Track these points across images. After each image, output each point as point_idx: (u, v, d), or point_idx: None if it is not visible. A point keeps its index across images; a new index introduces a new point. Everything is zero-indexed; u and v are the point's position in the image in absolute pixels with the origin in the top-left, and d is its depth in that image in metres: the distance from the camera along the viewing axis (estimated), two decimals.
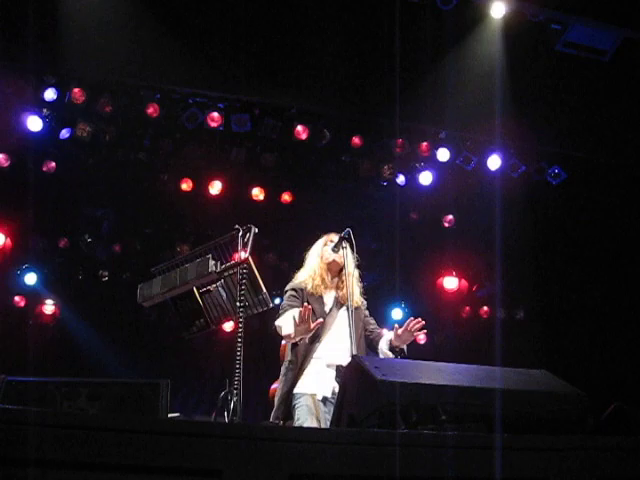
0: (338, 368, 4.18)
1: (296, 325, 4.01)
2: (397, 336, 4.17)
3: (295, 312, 4.26)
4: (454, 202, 8.53)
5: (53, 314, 7.75)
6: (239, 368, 3.65)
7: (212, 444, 2.13)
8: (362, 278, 4.61)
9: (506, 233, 7.31)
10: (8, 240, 7.38)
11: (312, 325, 4.02)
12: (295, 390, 4.21)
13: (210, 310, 4.07)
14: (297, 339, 4.16)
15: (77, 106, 6.92)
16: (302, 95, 7.24)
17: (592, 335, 8.25)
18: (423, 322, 4.10)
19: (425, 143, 7.96)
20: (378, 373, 2.66)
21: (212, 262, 3.94)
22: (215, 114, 7.28)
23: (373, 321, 4.55)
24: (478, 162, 8.09)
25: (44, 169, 7.33)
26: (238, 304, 3.80)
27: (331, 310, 4.38)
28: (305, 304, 4.10)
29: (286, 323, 4.24)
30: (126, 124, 7.25)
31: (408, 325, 4.11)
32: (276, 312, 4.43)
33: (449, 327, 8.71)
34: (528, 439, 2.52)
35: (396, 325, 4.20)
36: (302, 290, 4.42)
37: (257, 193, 8.15)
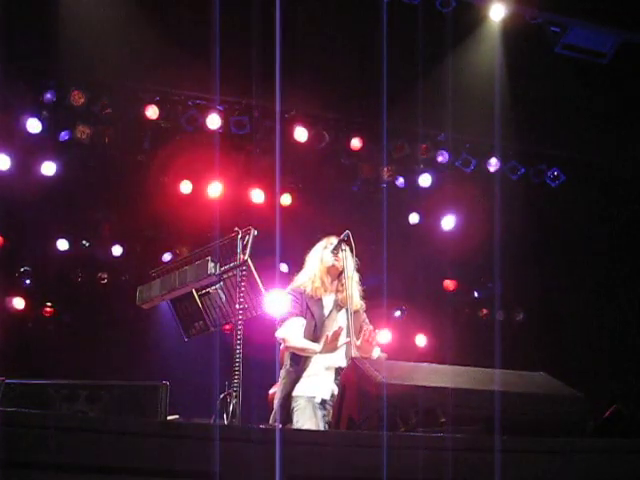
0: (337, 370, 4.19)
1: (326, 342, 4.07)
2: (357, 348, 4.18)
3: (298, 321, 4.27)
4: (453, 204, 8.52)
5: (52, 316, 7.73)
6: (238, 370, 3.65)
7: (211, 447, 2.13)
8: (361, 281, 4.62)
9: (505, 235, 7.31)
10: (7, 242, 7.36)
11: (339, 344, 4.08)
12: (294, 393, 4.21)
13: (209, 312, 4.07)
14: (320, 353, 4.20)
15: (76, 108, 6.92)
16: (301, 97, 7.23)
17: (592, 337, 8.24)
18: (376, 331, 4.18)
19: (424, 145, 7.96)
20: (377, 375, 2.66)
21: (211, 264, 3.94)
22: (214, 116, 7.28)
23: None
24: (477, 164, 8.09)
25: (43, 171, 7.32)
26: (237, 306, 3.80)
27: (330, 313, 4.38)
28: (340, 326, 4.14)
29: (294, 335, 4.25)
30: (125, 126, 7.24)
31: (364, 336, 4.14)
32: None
33: (448, 329, 8.70)
34: (527, 441, 2.52)
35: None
36: (301, 293, 4.41)
37: (256, 195, 8.13)
